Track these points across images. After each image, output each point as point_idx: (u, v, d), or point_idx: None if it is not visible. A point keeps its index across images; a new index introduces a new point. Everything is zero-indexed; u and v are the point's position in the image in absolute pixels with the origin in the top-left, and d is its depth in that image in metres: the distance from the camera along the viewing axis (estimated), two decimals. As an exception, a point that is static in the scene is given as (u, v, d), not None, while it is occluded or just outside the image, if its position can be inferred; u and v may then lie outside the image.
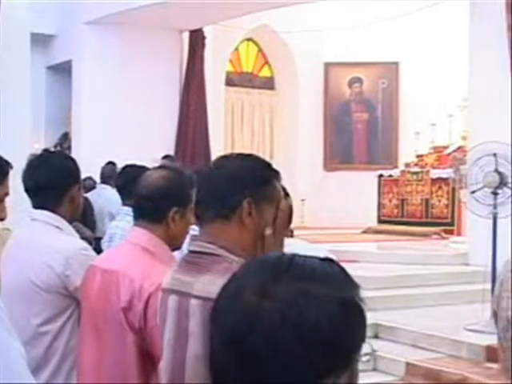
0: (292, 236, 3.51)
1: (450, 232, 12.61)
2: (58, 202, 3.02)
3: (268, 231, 2.02)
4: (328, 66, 16.38)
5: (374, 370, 6.52)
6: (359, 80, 16.45)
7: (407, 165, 14.34)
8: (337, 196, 15.31)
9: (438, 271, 9.12)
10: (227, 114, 15.81)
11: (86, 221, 7.68)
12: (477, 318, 6.74)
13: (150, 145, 12.18)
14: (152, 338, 2.35)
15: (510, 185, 6.88)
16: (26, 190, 3.07)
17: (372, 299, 7.84)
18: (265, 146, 16.41)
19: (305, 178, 15.86)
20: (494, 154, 6.88)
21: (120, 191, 5.02)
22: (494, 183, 6.91)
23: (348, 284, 1.17)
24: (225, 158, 2.21)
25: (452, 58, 13.90)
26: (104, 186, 8.82)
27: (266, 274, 1.14)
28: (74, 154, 11.45)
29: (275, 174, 2.11)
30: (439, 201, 13.20)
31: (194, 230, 2.28)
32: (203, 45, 13.93)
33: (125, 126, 12.75)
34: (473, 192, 7.13)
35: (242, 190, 2.01)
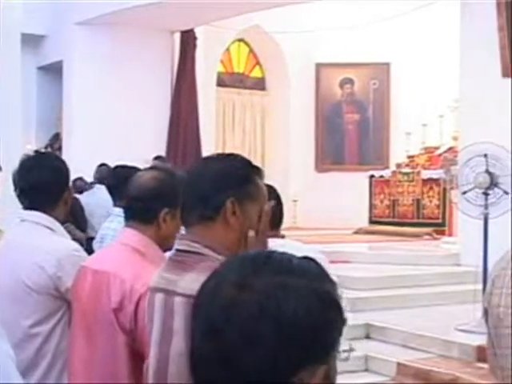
0: (283, 237, 3.50)
1: (442, 232, 12.63)
2: (53, 204, 3.02)
3: (251, 233, 2.02)
4: (319, 66, 16.39)
5: (366, 370, 6.54)
6: (350, 81, 16.46)
7: (398, 165, 14.36)
8: (328, 197, 15.31)
9: (429, 272, 9.13)
10: (218, 114, 15.80)
11: (76, 221, 7.67)
12: (468, 319, 6.76)
13: (141, 145, 12.17)
14: (142, 338, 2.34)
15: (500, 185, 6.89)
16: (19, 190, 3.05)
17: (363, 300, 7.86)
18: (256, 146, 16.40)
19: (297, 178, 15.87)
20: (485, 155, 6.90)
21: (111, 192, 5.00)
22: (484, 184, 6.93)
23: (326, 280, 1.19)
24: (204, 160, 2.23)
25: (443, 59, 13.93)
26: (99, 186, 8.81)
27: (246, 268, 1.16)
28: (64, 155, 11.44)
29: (256, 171, 2.11)
30: (430, 201, 13.23)
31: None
32: (194, 45, 13.93)
33: (116, 126, 12.73)
34: (464, 193, 7.14)
35: (225, 190, 2.01)
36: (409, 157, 14.41)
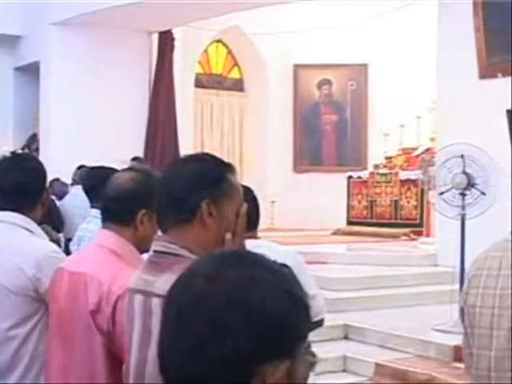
0: (259, 239, 3.50)
1: (419, 233, 12.69)
2: (31, 206, 3.01)
3: (228, 235, 2.01)
4: (297, 67, 16.41)
5: (344, 370, 6.55)
6: (328, 82, 16.50)
7: (376, 166, 14.41)
8: (306, 197, 15.34)
9: (407, 272, 9.16)
10: (196, 115, 15.79)
11: (52, 222, 7.63)
12: (445, 319, 6.79)
13: (119, 146, 12.13)
14: (121, 340, 2.33)
15: (477, 186, 6.93)
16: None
17: (341, 300, 7.88)
18: (234, 147, 16.39)
19: (274, 179, 15.88)
20: (462, 156, 6.94)
21: (88, 193, 4.98)
22: (461, 184, 6.96)
23: (296, 284, 1.21)
24: (175, 163, 2.21)
25: (420, 60, 13.98)
26: (77, 187, 8.76)
27: (218, 262, 1.19)
28: (42, 156, 11.40)
29: (229, 168, 2.10)
30: (408, 202, 13.28)
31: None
32: (172, 46, 13.91)
33: (94, 127, 12.69)
34: (441, 193, 7.17)
35: (199, 192, 2.00)
36: (386, 158, 14.45)
